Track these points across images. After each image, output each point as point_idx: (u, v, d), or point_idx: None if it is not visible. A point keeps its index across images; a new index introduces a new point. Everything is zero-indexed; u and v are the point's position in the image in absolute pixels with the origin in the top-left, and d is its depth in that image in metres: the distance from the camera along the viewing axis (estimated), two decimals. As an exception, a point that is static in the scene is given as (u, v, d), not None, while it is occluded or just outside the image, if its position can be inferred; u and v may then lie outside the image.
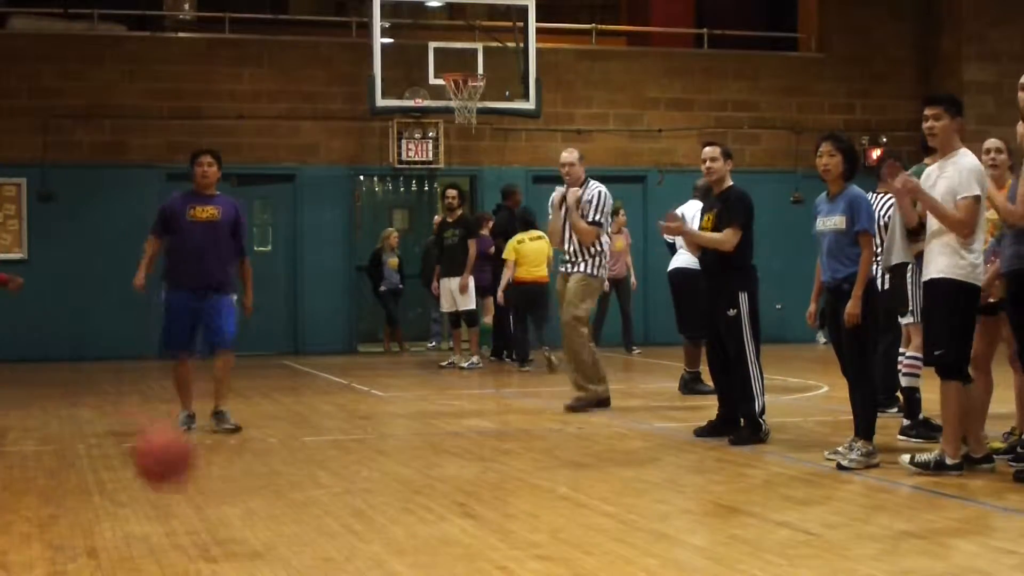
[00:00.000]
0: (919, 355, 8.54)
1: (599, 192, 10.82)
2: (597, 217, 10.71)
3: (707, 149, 9.41)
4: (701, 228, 9.33)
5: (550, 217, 11.01)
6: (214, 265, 9.53)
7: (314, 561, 5.44)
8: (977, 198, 7.18)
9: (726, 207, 9.12)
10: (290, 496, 6.96)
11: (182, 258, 9.58)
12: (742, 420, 8.88)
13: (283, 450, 8.79)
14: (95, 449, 8.87)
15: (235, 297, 9.80)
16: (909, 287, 8.73)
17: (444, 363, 15.47)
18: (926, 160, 8.72)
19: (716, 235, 8.97)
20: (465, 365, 15.15)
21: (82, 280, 17.32)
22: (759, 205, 18.29)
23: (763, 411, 8.82)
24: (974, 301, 7.31)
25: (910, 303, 8.73)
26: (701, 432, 9.11)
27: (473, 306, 15.50)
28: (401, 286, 18.68)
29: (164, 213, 9.78)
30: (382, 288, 18.61)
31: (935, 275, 7.26)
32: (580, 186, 10.85)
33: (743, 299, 8.87)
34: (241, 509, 6.58)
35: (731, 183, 9.33)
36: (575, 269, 10.76)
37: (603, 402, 10.66)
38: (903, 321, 9.04)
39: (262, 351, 17.89)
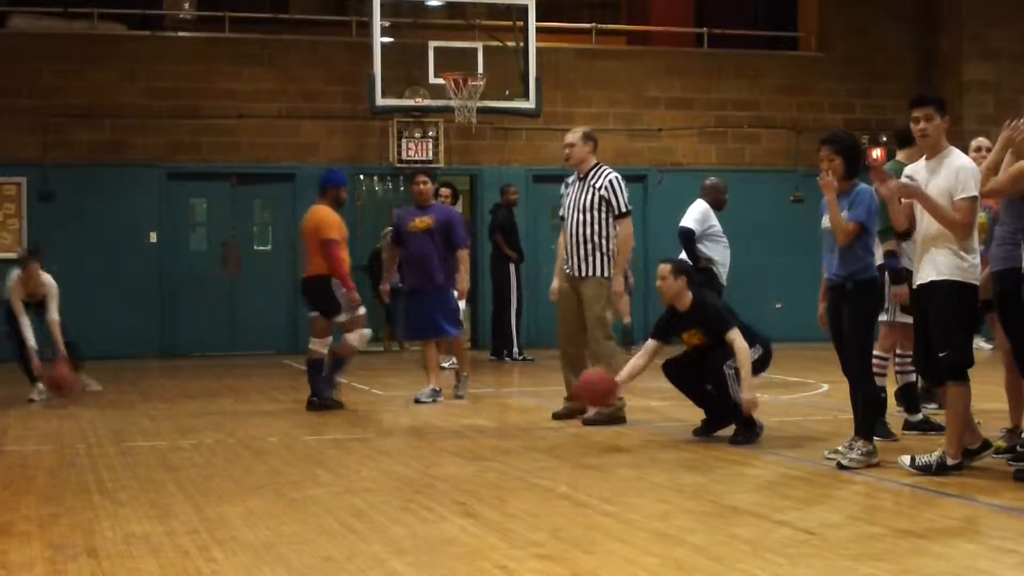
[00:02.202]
0: (909, 353, 8.55)
1: (614, 179, 9.97)
2: (627, 207, 9.98)
3: (660, 267, 9.08)
4: (684, 340, 9.13)
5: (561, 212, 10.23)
6: (431, 267, 11.36)
7: (314, 560, 5.43)
8: (975, 199, 7.18)
9: (710, 323, 8.93)
10: (290, 495, 6.96)
11: (408, 263, 11.59)
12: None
13: (283, 449, 8.79)
14: (95, 448, 8.87)
15: (453, 290, 11.57)
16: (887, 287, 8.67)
17: (446, 363, 15.39)
18: (899, 156, 8.64)
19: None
20: (446, 365, 15.13)
21: (82, 280, 17.31)
22: (759, 205, 18.37)
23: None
24: (974, 301, 7.32)
25: (885, 301, 8.67)
26: (698, 432, 9.14)
27: (462, 305, 15.49)
28: (401, 284, 18.65)
29: (396, 226, 11.84)
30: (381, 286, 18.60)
31: (936, 277, 7.24)
32: (587, 171, 10.01)
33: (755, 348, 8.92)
34: (241, 508, 6.58)
35: (690, 296, 8.97)
36: (585, 272, 9.99)
37: (621, 419, 9.91)
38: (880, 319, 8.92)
39: (262, 351, 17.92)
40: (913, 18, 20.33)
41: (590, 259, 9.96)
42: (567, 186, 10.22)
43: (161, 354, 17.53)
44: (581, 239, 9.98)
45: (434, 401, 11.32)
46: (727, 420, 8.95)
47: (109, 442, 9.20)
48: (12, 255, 17.25)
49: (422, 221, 11.44)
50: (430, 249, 11.37)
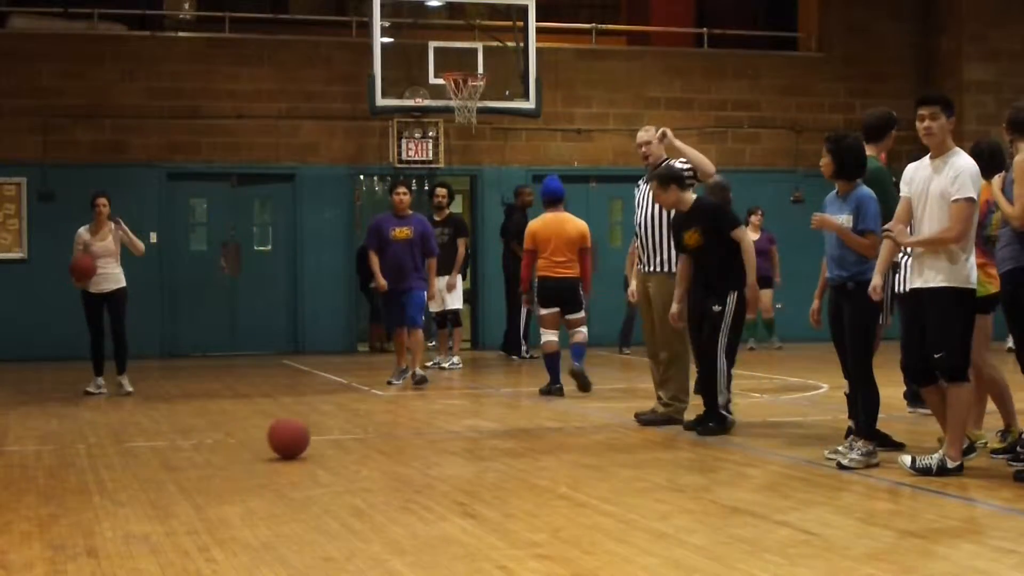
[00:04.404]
0: None
1: (679, 163, 9.83)
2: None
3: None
4: (684, 243, 9.28)
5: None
6: (409, 271, 12.77)
7: (314, 560, 5.44)
8: (971, 200, 7.14)
9: (710, 220, 9.16)
10: (290, 495, 6.96)
11: (389, 267, 12.81)
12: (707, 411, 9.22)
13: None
14: (95, 449, 8.87)
15: (424, 291, 13.02)
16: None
17: (428, 363, 15.23)
18: (867, 150, 8.36)
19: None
20: (447, 365, 15.12)
21: (82, 280, 17.29)
22: (759, 205, 18.34)
23: (727, 404, 9.21)
24: (972, 303, 7.29)
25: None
26: (690, 426, 9.36)
27: (460, 306, 15.52)
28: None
29: (376, 230, 12.95)
30: (372, 285, 18.61)
31: (933, 284, 7.22)
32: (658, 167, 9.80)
33: (731, 298, 9.11)
34: (241, 508, 6.58)
35: (691, 197, 9.30)
36: (652, 268, 9.85)
37: (678, 421, 9.71)
38: None
39: (262, 351, 17.92)
40: (913, 18, 20.32)
41: (659, 253, 9.84)
42: (639, 188, 10.09)
43: (161, 354, 17.51)
44: (650, 232, 9.86)
45: (400, 380, 12.95)
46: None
47: (109, 442, 9.20)
48: (12, 255, 17.36)
49: (402, 231, 12.81)
50: (408, 256, 12.78)
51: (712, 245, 9.13)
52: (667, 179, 9.34)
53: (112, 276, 12.60)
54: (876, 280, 7.45)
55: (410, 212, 13.02)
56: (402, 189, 13.05)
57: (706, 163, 9.84)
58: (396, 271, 12.76)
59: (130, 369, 13.93)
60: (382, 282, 12.84)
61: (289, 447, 8.25)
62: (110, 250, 12.55)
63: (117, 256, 12.62)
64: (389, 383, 12.92)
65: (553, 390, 11.99)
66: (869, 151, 8.12)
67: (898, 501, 6.81)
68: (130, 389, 12.54)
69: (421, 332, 13.06)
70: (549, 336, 11.93)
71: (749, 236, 9.14)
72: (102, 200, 12.60)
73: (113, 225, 12.60)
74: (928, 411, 9.61)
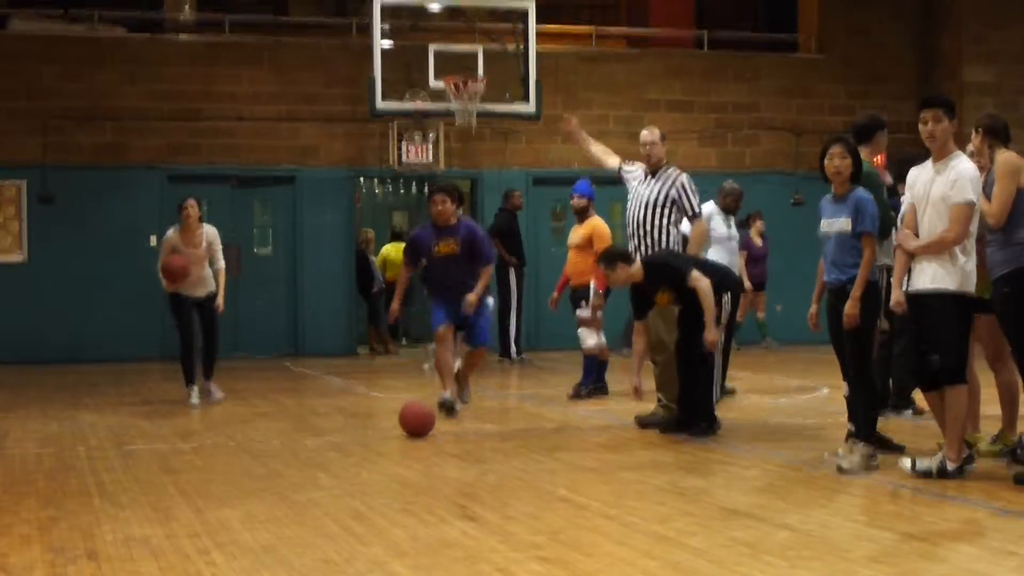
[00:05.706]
0: None
1: (684, 182, 9.81)
2: (697, 209, 9.85)
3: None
4: (660, 303, 9.37)
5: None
6: (457, 289, 10.71)
7: (314, 563, 5.44)
8: (970, 204, 7.14)
9: (668, 278, 9.21)
10: (290, 498, 6.96)
11: (434, 282, 10.99)
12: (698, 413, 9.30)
13: (283, 452, 8.79)
14: (95, 451, 8.87)
15: (490, 299, 11.42)
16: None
17: (425, 364, 15.15)
18: (862, 154, 8.34)
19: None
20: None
21: (82, 281, 17.33)
22: (759, 207, 18.34)
23: (716, 402, 9.47)
24: (968, 307, 7.29)
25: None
26: (667, 428, 9.42)
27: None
28: (384, 285, 18.70)
29: (415, 247, 11.00)
30: (375, 289, 18.66)
31: (929, 286, 7.22)
32: (656, 169, 9.88)
33: (725, 299, 9.26)
34: (241, 511, 6.58)
35: (638, 266, 9.30)
36: None
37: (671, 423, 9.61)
38: None
39: (262, 353, 17.92)
40: (913, 20, 20.33)
41: (656, 250, 9.77)
42: (630, 173, 10.06)
43: (161, 356, 17.50)
44: (640, 234, 9.83)
45: (460, 406, 10.96)
46: (693, 420, 9.31)
47: (109, 445, 9.20)
48: (12, 257, 17.37)
49: (447, 245, 10.74)
50: (459, 272, 10.73)
51: (683, 293, 9.20)
52: (612, 259, 9.30)
53: (205, 281, 11.91)
54: (896, 294, 7.44)
55: (454, 221, 10.79)
56: (439, 196, 10.76)
57: (699, 250, 10.00)
58: (448, 290, 10.78)
59: (130, 371, 13.97)
60: (395, 309, 11.14)
61: (421, 426, 9.28)
62: (201, 256, 11.82)
63: (206, 262, 11.91)
64: (446, 404, 10.74)
65: (598, 388, 12.11)
66: (861, 154, 8.18)
67: (898, 503, 6.81)
68: (221, 395, 11.97)
69: (481, 351, 11.18)
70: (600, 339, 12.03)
71: (702, 280, 9.02)
72: (191, 202, 11.81)
73: (205, 232, 11.90)
74: (907, 415, 9.76)
